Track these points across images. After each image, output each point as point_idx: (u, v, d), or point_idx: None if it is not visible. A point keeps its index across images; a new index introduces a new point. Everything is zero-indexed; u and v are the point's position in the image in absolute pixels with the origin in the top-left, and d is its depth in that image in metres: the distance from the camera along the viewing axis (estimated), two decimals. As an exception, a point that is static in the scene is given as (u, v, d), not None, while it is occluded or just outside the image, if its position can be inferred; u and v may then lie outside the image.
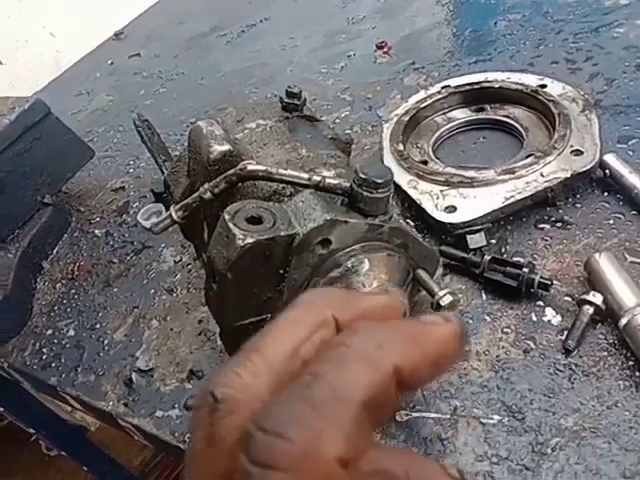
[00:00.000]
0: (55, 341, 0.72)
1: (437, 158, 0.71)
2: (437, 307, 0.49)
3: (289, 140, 0.55)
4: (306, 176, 0.47)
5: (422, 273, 0.51)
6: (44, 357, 0.70)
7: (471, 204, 0.60)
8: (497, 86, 0.75)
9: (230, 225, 0.42)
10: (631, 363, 0.47)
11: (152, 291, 0.72)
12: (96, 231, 0.87)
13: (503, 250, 0.59)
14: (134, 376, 0.62)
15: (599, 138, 0.62)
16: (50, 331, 0.73)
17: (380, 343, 0.23)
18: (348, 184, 0.46)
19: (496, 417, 0.47)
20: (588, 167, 0.60)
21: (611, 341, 0.49)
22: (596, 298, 0.50)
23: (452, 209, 0.61)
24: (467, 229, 0.59)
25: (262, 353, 0.23)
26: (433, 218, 0.61)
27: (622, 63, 0.75)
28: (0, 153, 0.77)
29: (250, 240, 0.41)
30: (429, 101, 0.77)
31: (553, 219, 0.60)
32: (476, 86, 0.76)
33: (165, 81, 1.23)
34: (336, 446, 0.20)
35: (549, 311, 0.53)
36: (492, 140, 0.73)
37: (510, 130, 0.72)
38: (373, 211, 0.46)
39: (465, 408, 0.49)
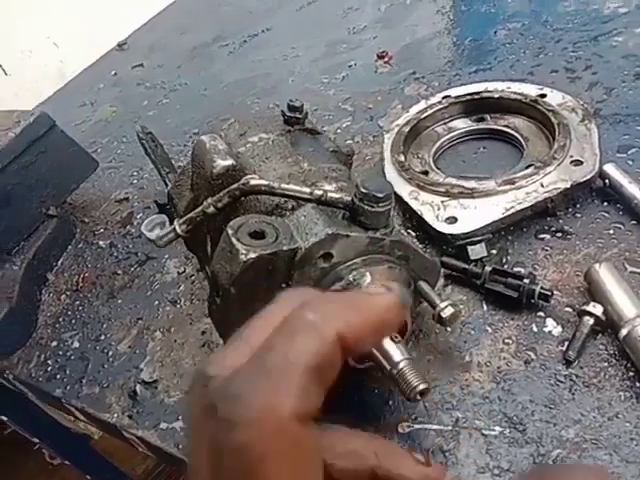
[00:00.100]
0: (60, 353, 0.72)
1: (438, 168, 0.72)
2: (439, 319, 0.50)
3: (291, 154, 0.56)
4: (308, 190, 0.47)
5: (423, 285, 0.52)
6: (49, 369, 0.71)
7: (472, 215, 0.61)
8: (497, 96, 0.75)
9: (233, 240, 0.42)
10: (631, 374, 0.47)
11: (156, 302, 0.73)
12: (100, 242, 0.87)
13: (504, 260, 0.60)
14: (138, 388, 0.63)
15: (599, 148, 0.62)
16: (55, 343, 0.74)
17: (325, 314, 0.26)
18: (349, 198, 0.47)
19: (497, 428, 0.48)
20: (588, 177, 0.60)
21: (611, 352, 0.49)
22: (596, 309, 0.50)
23: (453, 220, 0.61)
24: (468, 240, 0.60)
25: (244, 339, 0.28)
26: (434, 229, 0.62)
27: (621, 72, 0.76)
28: (6, 166, 0.78)
29: (253, 255, 0.42)
30: (430, 111, 0.78)
31: (553, 229, 0.61)
32: (476, 96, 0.77)
33: (168, 92, 1.24)
34: (288, 404, 0.24)
35: (550, 322, 0.53)
36: (492, 150, 0.73)
37: (510, 140, 0.73)
38: (374, 225, 0.47)
39: (467, 419, 0.49)
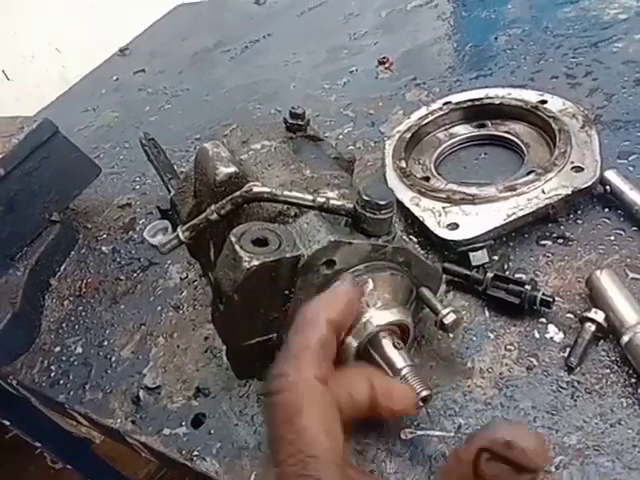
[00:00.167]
0: (63, 358, 0.73)
1: (439, 174, 0.72)
2: (441, 325, 0.50)
3: (293, 161, 0.56)
4: (310, 197, 0.48)
5: (425, 291, 0.52)
6: (52, 374, 0.71)
7: (473, 221, 0.61)
8: (498, 102, 0.76)
9: (236, 247, 0.43)
10: (633, 380, 0.47)
11: (159, 308, 0.73)
12: (103, 248, 0.88)
13: (505, 267, 0.60)
14: (141, 393, 0.63)
15: (599, 154, 0.63)
16: (58, 348, 0.74)
17: (317, 311, 0.42)
18: (351, 205, 0.47)
19: (500, 435, 0.48)
20: (589, 184, 0.60)
21: (613, 358, 0.49)
22: (598, 315, 0.50)
23: (454, 226, 0.61)
24: (469, 246, 0.60)
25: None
26: (435, 235, 0.62)
27: (621, 78, 0.76)
28: (9, 172, 0.79)
29: (256, 262, 0.42)
30: (431, 117, 0.78)
31: (555, 235, 0.61)
32: (477, 102, 0.77)
33: (170, 97, 1.25)
34: (311, 370, 0.39)
35: (551, 328, 0.53)
36: (493, 156, 0.73)
37: (511, 146, 0.73)
38: (376, 232, 0.47)
39: (469, 426, 0.49)
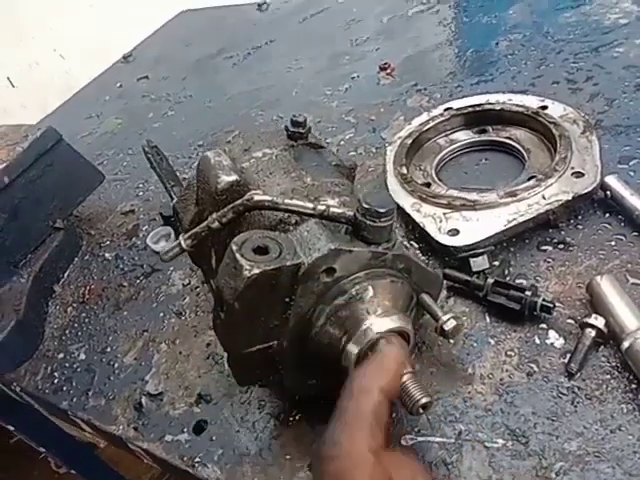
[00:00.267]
0: (66, 365, 0.73)
1: (440, 180, 0.72)
2: (441, 331, 0.50)
3: (294, 168, 0.56)
4: (311, 206, 0.48)
5: (426, 297, 0.52)
6: (56, 381, 0.72)
7: (474, 227, 0.61)
8: (499, 108, 0.76)
9: (237, 256, 0.43)
10: (634, 386, 0.47)
11: (161, 314, 0.73)
12: (106, 254, 0.88)
13: (506, 272, 0.60)
14: (144, 400, 0.63)
15: (600, 160, 0.63)
16: (61, 355, 0.75)
17: (370, 379, 0.43)
18: (352, 213, 0.47)
19: (500, 441, 0.48)
20: (589, 189, 0.60)
21: (613, 364, 0.50)
22: (598, 321, 0.51)
23: (455, 232, 0.62)
24: (470, 252, 0.60)
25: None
26: (436, 241, 0.62)
27: (622, 83, 0.76)
28: (13, 180, 0.79)
29: (257, 270, 0.42)
30: (432, 123, 0.79)
31: (555, 241, 0.61)
32: (478, 108, 0.78)
33: (173, 104, 1.25)
34: (364, 441, 0.39)
35: (552, 334, 0.53)
36: (494, 161, 0.74)
37: (512, 152, 0.73)
38: (376, 239, 0.47)
39: (469, 432, 0.49)
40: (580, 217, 0.62)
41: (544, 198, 0.61)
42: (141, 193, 0.99)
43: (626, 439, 0.45)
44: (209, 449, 0.56)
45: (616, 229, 0.59)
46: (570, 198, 0.60)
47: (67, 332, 0.78)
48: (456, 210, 0.64)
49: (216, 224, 0.50)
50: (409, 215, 0.66)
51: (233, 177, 0.52)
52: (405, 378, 0.44)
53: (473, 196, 0.65)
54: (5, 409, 1.02)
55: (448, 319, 0.50)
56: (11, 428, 1.15)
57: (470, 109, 0.78)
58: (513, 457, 0.47)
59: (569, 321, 0.54)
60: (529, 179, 0.65)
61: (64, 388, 0.70)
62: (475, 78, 0.90)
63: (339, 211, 0.48)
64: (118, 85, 1.47)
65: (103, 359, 0.71)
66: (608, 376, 0.49)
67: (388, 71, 1.02)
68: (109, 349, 0.72)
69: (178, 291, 0.76)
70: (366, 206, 0.46)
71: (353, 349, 0.46)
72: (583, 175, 0.62)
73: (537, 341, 0.53)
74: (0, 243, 0.79)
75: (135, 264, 0.84)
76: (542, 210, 0.60)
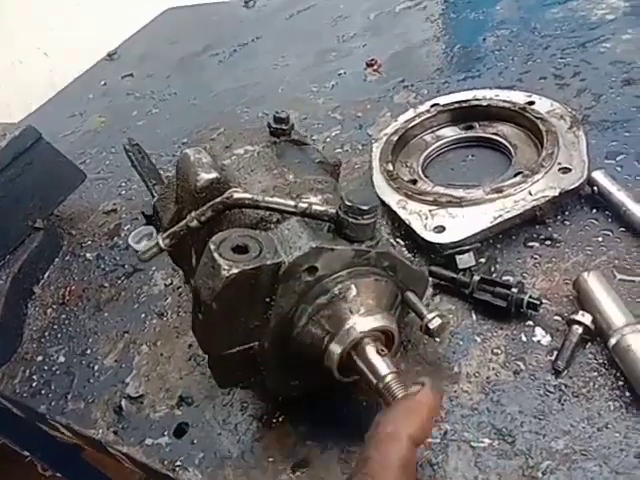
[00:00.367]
0: (45, 368, 0.71)
1: (426, 177, 0.71)
2: (426, 330, 0.49)
3: (277, 166, 0.55)
4: (292, 203, 0.47)
5: (411, 295, 0.51)
6: (34, 384, 0.70)
7: (460, 224, 0.61)
8: (485, 104, 0.75)
9: (215, 255, 0.42)
10: (621, 383, 0.47)
11: (143, 315, 0.72)
12: (87, 255, 0.87)
13: (493, 269, 0.59)
14: (124, 403, 0.62)
15: (587, 155, 0.62)
16: (40, 357, 0.73)
17: (398, 425, 0.39)
18: (334, 210, 0.46)
19: (486, 440, 0.47)
20: (576, 185, 0.60)
21: (601, 361, 0.49)
22: (585, 318, 0.50)
23: (441, 229, 0.61)
24: (456, 249, 0.59)
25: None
26: (422, 238, 0.61)
27: (609, 78, 0.76)
28: (-9, 179, 0.78)
29: (235, 270, 0.41)
30: (418, 120, 0.78)
31: (542, 237, 0.60)
32: (465, 104, 0.77)
33: (158, 101, 1.24)
34: None
35: (539, 331, 0.53)
36: (481, 158, 0.73)
37: (499, 148, 0.72)
38: (359, 237, 0.46)
39: (455, 432, 0.48)
40: (567, 213, 0.61)
41: (531, 194, 0.61)
42: (124, 192, 0.97)
43: (613, 437, 0.44)
44: (190, 452, 0.55)
45: (603, 225, 0.59)
46: (557, 194, 0.60)
47: (46, 334, 0.76)
48: (442, 207, 0.63)
49: (195, 223, 0.49)
50: (395, 212, 0.65)
51: (213, 175, 0.51)
52: (389, 379, 0.43)
53: (459, 193, 0.64)
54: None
55: (433, 317, 0.49)
56: (-7, 432, 1.13)
57: (457, 105, 0.77)
58: (499, 457, 0.46)
59: (556, 318, 0.53)
60: (516, 175, 0.64)
61: (42, 391, 0.69)
62: (462, 74, 0.90)
63: (321, 209, 0.47)
64: (102, 83, 1.45)
65: (83, 361, 0.70)
66: (595, 373, 0.48)
67: (375, 67, 1.01)
68: (89, 351, 0.71)
69: (160, 291, 0.74)
70: (349, 203, 0.45)
71: (336, 349, 0.45)
72: (570, 171, 0.61)
73: (524, 339, 0.53)
74: (-23, 244, 0.77)
75: (117, 264, 0.82)
76: (529, 206, 0.60)
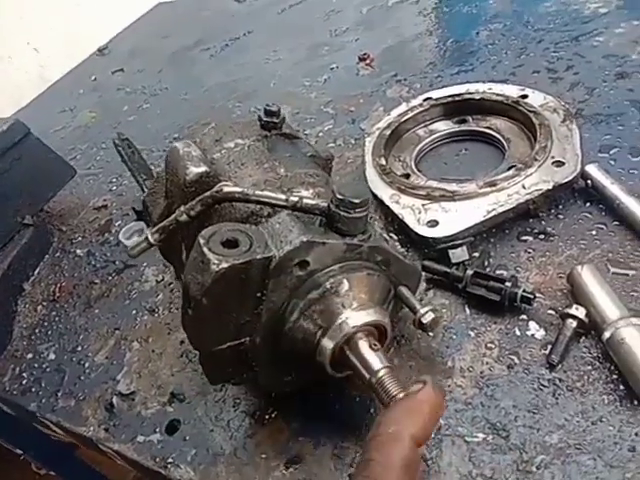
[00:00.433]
0: (35, 365, 0.71)
1: (419, 171, 0.71)
2: (419, 324, 0.49)
3: (267, 159, 0.55)
4: (283, 197, 0.46)
5: (404, 290, 0.51)
6: (24, 382, 0.69)
7: (453, 218, 0.60)
8: (478, 97, 0.75)
9: (205, 250, 0.41)
10: (615, 377, 0.47)
11: (134, 312, 0.71)
12: (78, 251, 0.86)
13: (486, 263, 0.59)
14: (115, 400, 0.61)
15: (580, 149, 0.62)
16: (30, 355, 0.72)
17: (399, 425, 0.37)
18: (326, 204, 0.46)
19: (480, 435, 0.47)
20: (570, 178, 0.59)
21: (595, 355, 0.49)
22: (579, 312, 0.50)
23: (434, 223, 0.60)
24: (449, 243, 0.59)
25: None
26: (415, 232, 0.61)
27: (602, 72, 0.76)
28: (-22, 175, 0.77)
29: (225, 265, 0.40)
30: (411, 114, 0.77)
31: (536, 231, 0.60)
32: (458, 98, 0.76)
33: (149, 96, 1.23)
34: None
35: (532, 325, 0.52)
36: (474, 151, 0.73)
37: (492, 141, 0.72)
38: (351, 231, 0.46)
39: (449, 427, 0.48)
40: (561, 206, 0.61)
41: (524, 188, 0.60)
42: (114, 188, 0.96)
43: (607, 430, 0.44)
44: (182, 449, 0.54)
45: (597, 218, 0.59)
46: (550, 187, 0.59)
47: (37, 331, 0.75)
48: (435, 201, 0.63)
49: (184, 217, 0.48)
50: (388, 207, 0.65)
51: (202, 168, 0.50)
52: (381, 373, 0.43)
53: (452, 187, 0.63)
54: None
55: (426, 312, 0.48)
56: (-15, 431, 1.11)
57: (450, 99, 0.77)
58: (493, 451, 0.46)
59: (550, 312, 0.53)
60: (509, 169, 0.64)
61: (33, 389, 0.68)
62: (455, 68, 0.89)
63: (312, 202, 0.46)
64: (93, 78, 1.43)
65: (73, 358, 0.69)
66: (589, 367, 0.48)
67: (367, 62, 1.01)
68: (80, 348, 0.70)
69: (151, 287, 0.73)
70: (340, 197, 0.44)
71: (328, 344, 0.45)
72: (563, 164, 0.61)
73: (517, 333, 0.52)
74: (-34, 240, 0.76)
75: (107, 260, 0.81)
76: (522, 200, 0.59)
